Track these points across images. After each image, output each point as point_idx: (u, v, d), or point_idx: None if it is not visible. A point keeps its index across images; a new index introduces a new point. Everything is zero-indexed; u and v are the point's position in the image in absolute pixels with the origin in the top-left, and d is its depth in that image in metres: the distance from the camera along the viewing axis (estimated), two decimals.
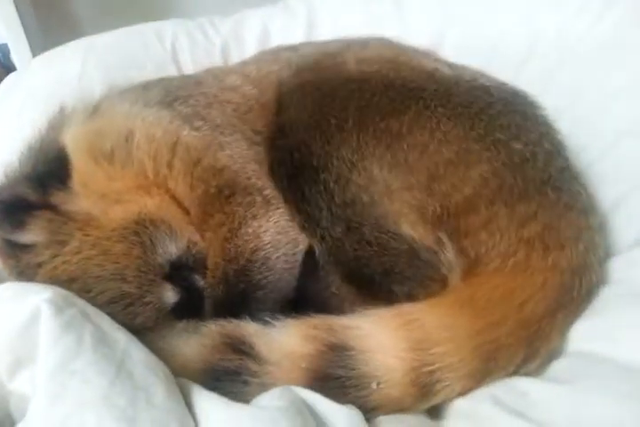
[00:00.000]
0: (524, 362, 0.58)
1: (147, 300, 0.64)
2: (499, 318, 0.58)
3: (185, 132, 0.71)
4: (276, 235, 0.69)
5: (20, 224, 0.65)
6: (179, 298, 0.66)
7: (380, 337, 0.58)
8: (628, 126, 0.76)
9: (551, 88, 0.88)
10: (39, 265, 0.64)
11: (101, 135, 0.71)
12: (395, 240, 0.63)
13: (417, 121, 0.65)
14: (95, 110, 0.76)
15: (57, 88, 0.96)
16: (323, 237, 0.66)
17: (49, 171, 0.70)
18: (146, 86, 0.82)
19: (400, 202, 0.63)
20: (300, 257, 0.69)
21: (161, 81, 0.85)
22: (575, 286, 0.62)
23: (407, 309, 0.60)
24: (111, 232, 0.65)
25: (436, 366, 0.55)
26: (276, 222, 0.69)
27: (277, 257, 0.68)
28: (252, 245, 0.68)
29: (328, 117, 0.67)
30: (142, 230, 0.66)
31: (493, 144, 0.65)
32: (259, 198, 0.70)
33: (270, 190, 0.70)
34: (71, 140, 0.71)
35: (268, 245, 0.68)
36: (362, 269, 0.64)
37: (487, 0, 1.00)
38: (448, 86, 0.70)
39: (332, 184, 0.65)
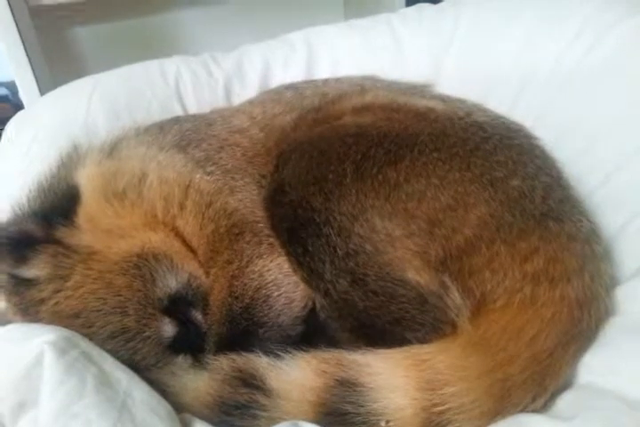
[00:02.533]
0: (533, 399, 0.57)
1: (146, 334, 0.64)
2: (510, 356, 0.57)
3: (198, 176, 0.74)
4: (278, 274, 0.69)
5: (23, 259, 0.65)
6: (176, 332, 0.66)
7: (391, 376, 0.57)
8: (627, 154, 0.76)
9: (550, 116, 0.89)
10: (42, 301, 0.65)
11: (116, 176, 0.73)
12: (402, 287, 0.63)
13: (413, 169, 0.66)
14: (111, 151, 0.78)
15: (63, 126, 0.98)
16: (327, 292, 0.65)
17: (56, 207, 0.71)
18: (162, 128, 0.84)
19: (403, 249, 0.63)
20: (301, 297, 0.69)
21: (176, 122, 0.88)
22: (584, 318, 0.61)
23: (418, 350, 0.60)
24: (114, 265, 0.66)
25: (447, 406, 0.55)
26: (279, 264, 0.70)
27: (279, 295, 0.69)
28: (255, 283, 0.69)
29: (326, 173, 0.68)
30: (144, 263, 0.67)
31: (490, 183, 0.65)
32: (265, 240, 0.71)
33: (274, 239, 0.71)
34: (86, 179, 0.73)
35: (270, 284, 0.69)
36: (373, 319, 0.63)
37: (484, 30, 1.02)
38: (442, 127, 0.71)
39: (334, 237, 0.65)
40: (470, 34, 1.03)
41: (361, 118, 0.74)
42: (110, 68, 1.12)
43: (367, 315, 0.63)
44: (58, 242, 0.67)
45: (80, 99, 1.02)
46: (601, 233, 0.71)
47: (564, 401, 0.58)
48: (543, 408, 0.58)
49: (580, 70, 0.87)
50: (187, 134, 0.82)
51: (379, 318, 0.63)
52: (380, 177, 0.66)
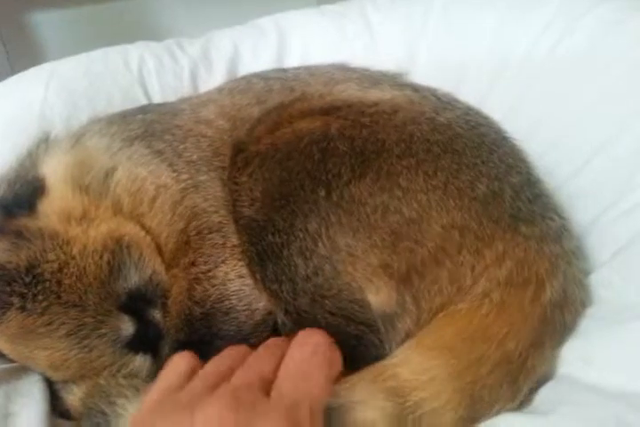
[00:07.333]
0: (509, 399, 0.56)
1: (102, 331, 0.62)
2: (478, 358, 0.56)
3: (166, 173, 0.71)
4: (241, 285, 0.67)
5: None
6: (135, 331, 0.64)
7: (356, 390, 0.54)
8: (599, 144, 0.75)
9: (523, 107, 0.87)
10: None
11: (81, 168, 0.70)
12: (359, 311, 0.61)
13: (377, 181, 0.63)
14: (76, 142, 0.75)
15: (18, 116, 0.92)
16: (287, 311, 0.63)
17: (18, 197, 0.68)
18: (125, 118, 0.81)
19: (364, 267, 0.61)
20: (263, 307, 0.66)
21: (140, 112, 0.84)
22: (558, 317, 0.60)
23: (379, 363, 0.58)
24: (80, 252, 0.63)
25: (419, 412, 0.53)
26: (239, 273, 0.67)
27: (240, 307, 0.66)
28: (218, 292, 0.66)
29: (290, 192, 0.65)
30: (118, 251, 0.64)
31: (457, 189, 0.62)
32: (229, 243, 0.69)
33: (237, 241, 0.69)
34: (51, 170, 0.71)
35: (233, 295, 0.66)
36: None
37: (456, 16, 1.00)
38: (410, 131, 0.67)
39: (295, 258, 0.62)
40: (443, 21, 1.00)
41: (326, 126, 0.69)
42: (72, 55, 1.06)
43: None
44: (18, 231, 0.64)
45: (36, 88, 0.96)
46: (572, 227, 0.69)
47: (541, 396, 0.57)
48: (520, 404, 0.57)
49: (552, 58, 0.86)
50: (151, 125, 0.78)
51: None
52: (347, 195, 0.63)
